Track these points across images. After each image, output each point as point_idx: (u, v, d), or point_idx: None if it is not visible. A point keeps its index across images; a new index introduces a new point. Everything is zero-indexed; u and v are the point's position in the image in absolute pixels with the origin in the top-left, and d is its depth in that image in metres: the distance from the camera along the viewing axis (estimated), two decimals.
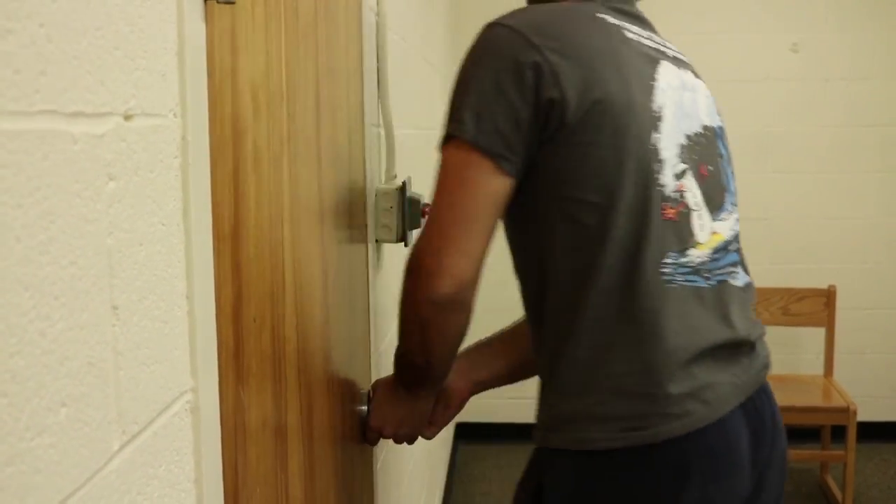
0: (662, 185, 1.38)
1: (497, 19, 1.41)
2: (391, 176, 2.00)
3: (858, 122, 4.52)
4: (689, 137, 1.44)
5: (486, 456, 4.59)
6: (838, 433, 3.97)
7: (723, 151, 1.54)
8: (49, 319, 0.58)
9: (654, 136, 1.38)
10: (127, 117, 0.70)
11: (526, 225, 1.46)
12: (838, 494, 3.91)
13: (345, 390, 1.56)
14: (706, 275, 1.41)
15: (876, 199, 4.56)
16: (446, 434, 4.15)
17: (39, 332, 0.57)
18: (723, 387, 1.39)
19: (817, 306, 4.08)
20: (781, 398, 3.96)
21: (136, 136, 0.72)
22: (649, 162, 1.37)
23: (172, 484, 0.79)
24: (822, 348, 4.17)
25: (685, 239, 1.39)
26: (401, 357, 1.54)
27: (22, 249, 0.55)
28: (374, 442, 1.71)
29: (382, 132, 1.97)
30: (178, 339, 0.80)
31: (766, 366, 1.51)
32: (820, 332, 4.17)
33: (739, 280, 1.49)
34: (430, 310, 1.39)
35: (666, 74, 1.46)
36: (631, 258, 1.36)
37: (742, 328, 1.45)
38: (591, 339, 1.38)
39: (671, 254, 1.38)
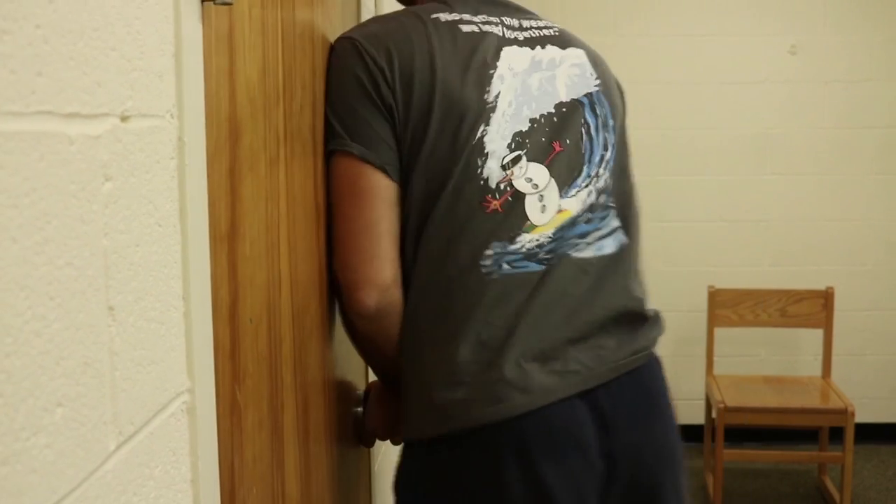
0: (485, 178, 1.40)
1: (344, 32, 1.47)
2: None
3: (857, 124, 4.52)
4: (532, 121, 1.44)
5: None
6: (836, 434, 3.97)
7: (589, 120, 1.51)
8: (45, 320, 0.58)
9: (483, 128, 1.40)
10: (123, 118, 0.70)
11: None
12: (836, 496, 3.91)
13: (341, 391, 1.56)
14: (543, 256, 1.41)
15: (874, 201, 4.56)
16: None
17: (35, 332, 0.57)
18: (546, 376, 1.37)
19: (815, 308, 4.08)
20: (779, 400, 3.96)
21: (133, 137, 0.72)
22: (473, 157, 1.40)
23: (168, 484, 0.79)
24: (821, 350, 4.17)
25: (516, 226, 1.40)
26: (360, 352, 1.59)
27: (18, 250, 0.55)
28: (371, 444, 1.71)
29: None
30: (174, 340, 0.81)
31: (638, 351, 1.46)
32: (818, 334, 4.17)
33: (590, 251, 1.46)
34: (364, 324, 1.44)
35: (509, 60, 1.46)
36: (443, 256, 1.39)
37: (593, 310, 1.44)
38: (412, 335, 1.43)
39: (495, 244, 1.39)
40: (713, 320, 4.14)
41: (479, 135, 1.40)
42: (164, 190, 0.78)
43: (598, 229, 1.47)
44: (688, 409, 4.72)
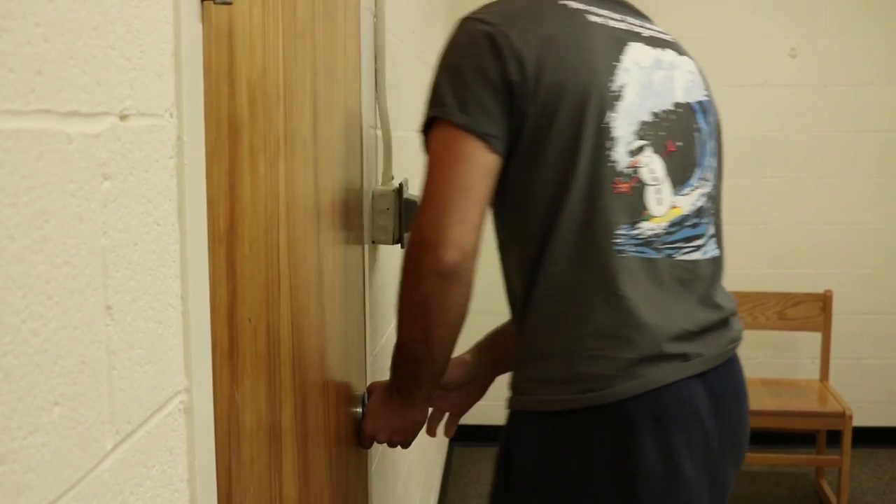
0: (614, 162, 1.46)
1: (470, 14, 1.52)
2: (388, 177, 2.00)
3: (856, 128, 4.52)
4: (655, 115, 1.51)
5: (481, 458, 4.58)
6: (834, 438, 3.97)
7: (702, 125, 1.60)
8: (42, 318, 0.58)
9: (609, 115, 1.46)
10: (122, 117, 0.70)
11: (499, 204, 1.54)
12: (833, 499, 3.91)
13: (340, 391, 1.56)
14: (658, 246, 1.49)
15: (873, 205, 4.56)
16: (442, 436, 4.15)
17: (33, 331, 0.57)
18: (675, 357, 1.46)
19: (814, 311, 4.08)
20: (777, 403, 3.96)
21: (132, 136, 0.72)
22: (601, 140, 1.45)
23: (165, 484, 0.79)
24: (819, 353, 4.17)
25: (637, 212, 1.47)
26: (400, 349, 1.56)
27: (16, 248, 0.55)
28: (368, 446, 1.72)
29: (380, 133, 1.97)
30: (172, 339, 0.80)
31: (735, 338, 1.59)
32: (816, 337, 4.17)
33: (696, 254, 1.55)
34: (435, 283, 1.43)
35: (634, 54, 1.53)
36: (582, 231, 1.45)
37: (705, 304, 1.54)
38: (548, 308, 1.47)
39: (623, 226, 1.46)
40: None
41: (606, 120, 1.46)
42: (162, 189, 0.78)
43: (700, 235, 1.56)
44: None
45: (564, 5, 1.54)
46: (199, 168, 0.86)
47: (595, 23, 1.53)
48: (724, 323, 1.57)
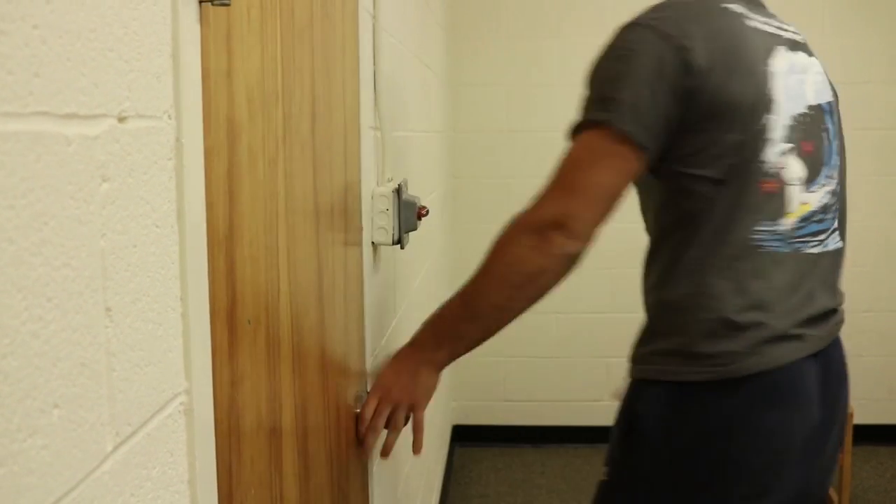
0: (764, 162, 1.58)
1: (636, 19, 1.60)
2: (387, 178, 2.00)
3: (853, 126, 4.49)
4: (794, 118, 1.62)
5: (482, 458, 4.59)
6: None
7: (829, 126, 1.72)
8: (42, 321, 0.58)
9: (767, 117, 1.57)
10: (121, 119, 0.70)
11: (648, 191, 1.68)
12: (835, 497, 3.91)
13: (339, 392, 1.56)
14: (789, 241, 1.62)
15: (871, 202, 4.56)
16: (443, 435, 4.15)
17: (32, 333, 0.57)
18: (797, 339, 1.61)
19: None
20: None
21: (130, 138, 0.72)
22: (758, 142, 1.57)
23: (166, 485, 0.79)
24: None
25: (778, 210, 1.60)
26: (462, 305, 1.65)
27: (15, 251, 0.55)
28: (371, 443, 1.72)
29: (378, 134, 1.98)
30: (171, 341, 0.81)
31: (840, 321, 1.75)
32: None
33: (819, 248, 1.68)
34: (557, 265, 1.57)
35: (778, 60, 1.63)
36: (727, 223, 1.58)
37: (823, 294, 1.68)
38: (687, 288, 1.61)
39: (765, 222, 1.59)
40: None
41: (763, 122, 1.57)
42: (161, 191, 0.78)
43: (825, 230, 1.69)
44: None
45: (726, 8, 1.62)
46: (198, 169, 0.86)
47: (751, 27, 1.62)
48: (836, 309, 1.72)
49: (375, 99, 1.92)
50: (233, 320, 0.97)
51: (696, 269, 1.60)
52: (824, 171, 1.68)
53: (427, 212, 2.07)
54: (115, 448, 0.69)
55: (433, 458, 3.58)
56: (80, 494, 0.63)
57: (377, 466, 1.94)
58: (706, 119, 1.54)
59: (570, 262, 1.57)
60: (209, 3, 0.87)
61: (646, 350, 1.69)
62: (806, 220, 1.64)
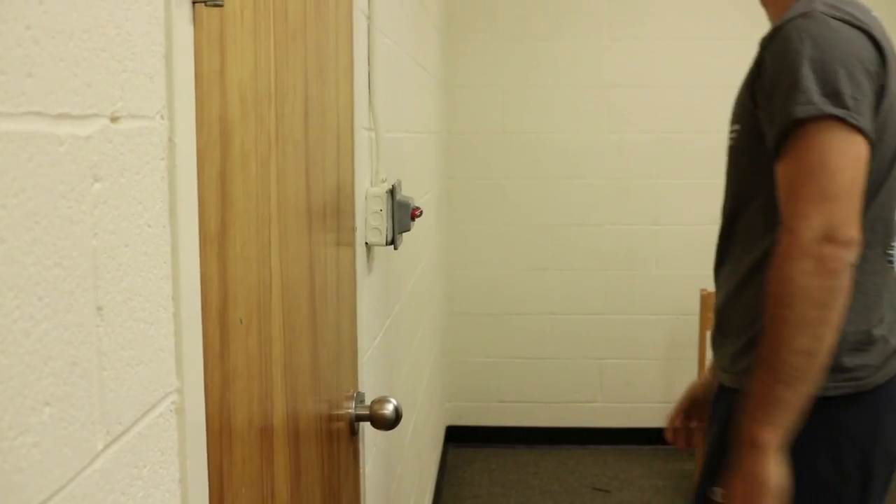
0: None
1: (813, 8, 1.57)
2: (381, 179, 2.01)
3: None
4: None
5: (475, 459, 4.59)
6: None
7: None
8: (33, 319, 0.59)
9: None
10: (113, 119, 0.70)
11: (770, 181, 1.60)
12: None
13: (332, 391, 1.56)
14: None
15: None
16: (436, 436, 4.16)
17: (23, 331, 0.58)
18: None
19: None
20: None
21: (123, 138, 0.72)
22: None
23: (157, 484, 0.80)
24: None
25: None
26: (776, 371, 1.52)
27: (6, 250, 0.56)
28: None
29: (373, 135, 1.98)
30: (163, 340, 0.81)
31: None
32: None
33: None
34: (844, 277, 1.48)
35: None
36: (867, 241, 1.56)
37: None
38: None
39: (893, 244, 1.65)
40: (705, 323, 4.15)
41: None
42: (153, 191, 0.78)
43: None
44: None
45: (869, 9, 1.63)
46: (191, 169, 0.86)
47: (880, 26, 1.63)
48: None
49: (370, 100, 1.93)
50: (225, 320, 0.98)
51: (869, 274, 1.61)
52: None
53: (421, 212, 2.07)
54: (106, 447, 0.70)
55: (427, 459, 3.58)
56: (70, 493, 0.63)
57: (370, 467, 1.95)
58: (884, 112, 1.55)
59: (844, 272, 1.48)
60: (202, 4, 0.87)
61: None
62: None
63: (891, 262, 1.63)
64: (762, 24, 4.74)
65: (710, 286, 4.21)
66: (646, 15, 4.48)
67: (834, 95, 1.49)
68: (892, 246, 1.62)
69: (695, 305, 4.34)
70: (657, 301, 4.65)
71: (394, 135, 2.38)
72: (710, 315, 4.11)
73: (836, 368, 1.56)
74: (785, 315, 1.48)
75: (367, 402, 1.76)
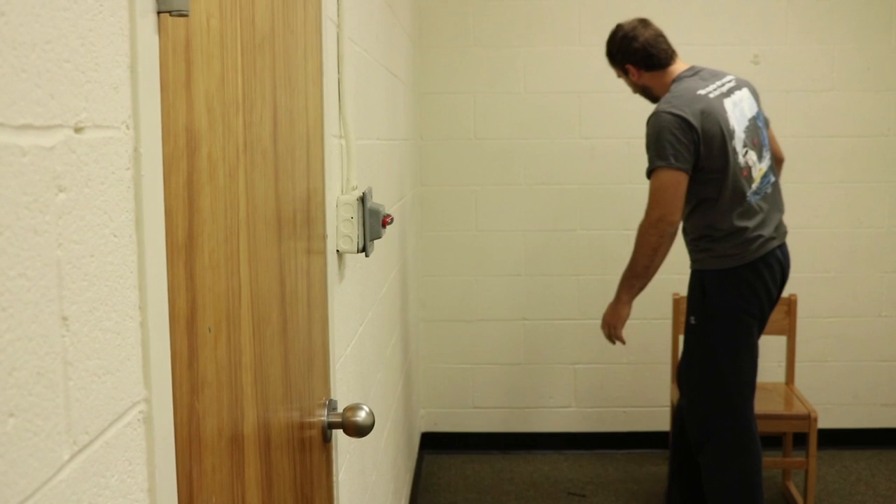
0: (739, 162, 3.31)
1: (660, 108, 3.34)
2: (352, 186, 2.01)
3: (819, 133, 4.58)
4: (744, 130, 3.35)
5: (451, 465, 4.59)
6: (800, 440, 4.02)
7: (760, 125, 3.46)
8: None
9: (733, 140, 3.30)
10: (77, 129, 0.70)
11: (692, 188, 3.32)
12: (800, 500, 3.95)
13: (304, 399, 1.56)
14: (758, 192, 3.35)
15: (836, 209, 4.62)
16: (411, 443, 4.15)
17: None
18: (771, 239, 3.38)
19: (779, 315, 4.12)
20: None
21: (87, 148, 0.72)
22: (734, 155, 3.30)
23: (124, 494, 0.80)
24: (784, 356, 4.22)
25: (751, 182, 3.34)
26: (632, 272, 3.43)
27: None
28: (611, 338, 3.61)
29: (343, 142, 1.98)
30: (130, 350, 0.81)
31: (786, 232, 3.50)
32: (781, 341, 4.22)
33: (773, 187, 3.44)
34: (660, 239, 3.30)
35: (727, 105, 3.33)
36: (732, 195, 3.31)
37: (777, 214, 3.46)
38: (716, 231, 3.35)
39: (748, 190, 3.32)
40: (678, 328, 4.17)
41: (733, 142, 3.29)
42: (119, 201, 0.78)
43: (771, 182, 3.42)
44: (653, 416, 4.75)
45: (701, 94, 3.33)
46: (157, 179, 0.86)
47: (713, 97, 3.33)
48: (782, 220, 3.49)
49: (340, 107, 1.93)
50: (193, 329, 0.98)
51: (717, 219, 3.32)
52: (764, 151, 3.43)
53: (392, 220, 2.08)
54: (72, 457, 0.70)
55: (401, 465, 3.58)
56: (35, 503, 0.63)
57: (343, 474, 1.95)
58: (705, 150, 3.27)
59: (671, 237, 3.35)
60: (167, 14, 0.88)
61: (700, 256, 3.41)
62: (763, 178, 3.38)
63: (749, 200, 3.33)
64: (733, 29, 4.78)
65: (683, 290, 4.27)
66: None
67: (662, 155, 3.25)
68: (746, 194, 3.32)
69: (667, 310, 4.36)
70: None
71: (365, 142, 2.38)
72: (683, 319, 4.15)
73: (731, 254, 3.35)
74: (640, 250, 3.37)
75: (340, 409, 1.76)
